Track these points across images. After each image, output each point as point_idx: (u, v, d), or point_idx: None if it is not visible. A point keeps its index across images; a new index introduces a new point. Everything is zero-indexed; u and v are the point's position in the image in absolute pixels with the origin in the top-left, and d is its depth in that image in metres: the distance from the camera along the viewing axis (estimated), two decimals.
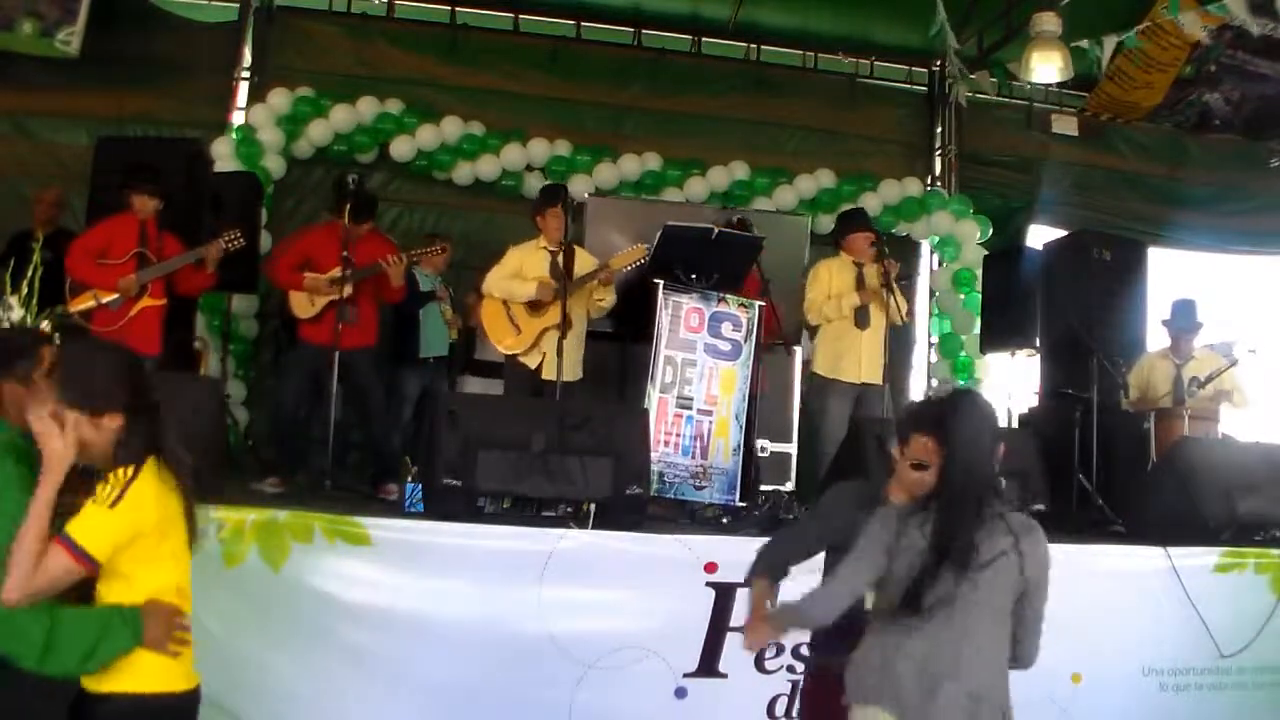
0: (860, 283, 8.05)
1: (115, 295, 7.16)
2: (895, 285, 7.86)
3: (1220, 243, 12.75)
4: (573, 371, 7.39)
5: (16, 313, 6.02)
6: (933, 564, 3.47)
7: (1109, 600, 6.00)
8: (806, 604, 3.70)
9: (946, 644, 3.49)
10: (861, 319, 7.95)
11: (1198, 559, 6.34)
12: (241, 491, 6.52)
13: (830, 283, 8.12)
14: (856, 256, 8.16)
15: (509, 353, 7.52)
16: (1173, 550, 6.27)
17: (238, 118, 10.58)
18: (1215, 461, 6.90)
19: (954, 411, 3.70)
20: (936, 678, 3.47)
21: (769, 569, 4.13)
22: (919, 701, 3.47)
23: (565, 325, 7.08)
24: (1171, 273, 11.21)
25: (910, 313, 8.51)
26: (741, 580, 4.43)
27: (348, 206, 7.39)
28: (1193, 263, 12.49)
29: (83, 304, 7.15)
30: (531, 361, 7.46)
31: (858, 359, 7.94)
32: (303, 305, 7.50)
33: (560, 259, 7.42)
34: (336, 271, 7.32)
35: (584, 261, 7.62)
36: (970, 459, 3.59)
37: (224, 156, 9.89)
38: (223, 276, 7.76)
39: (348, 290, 7.29)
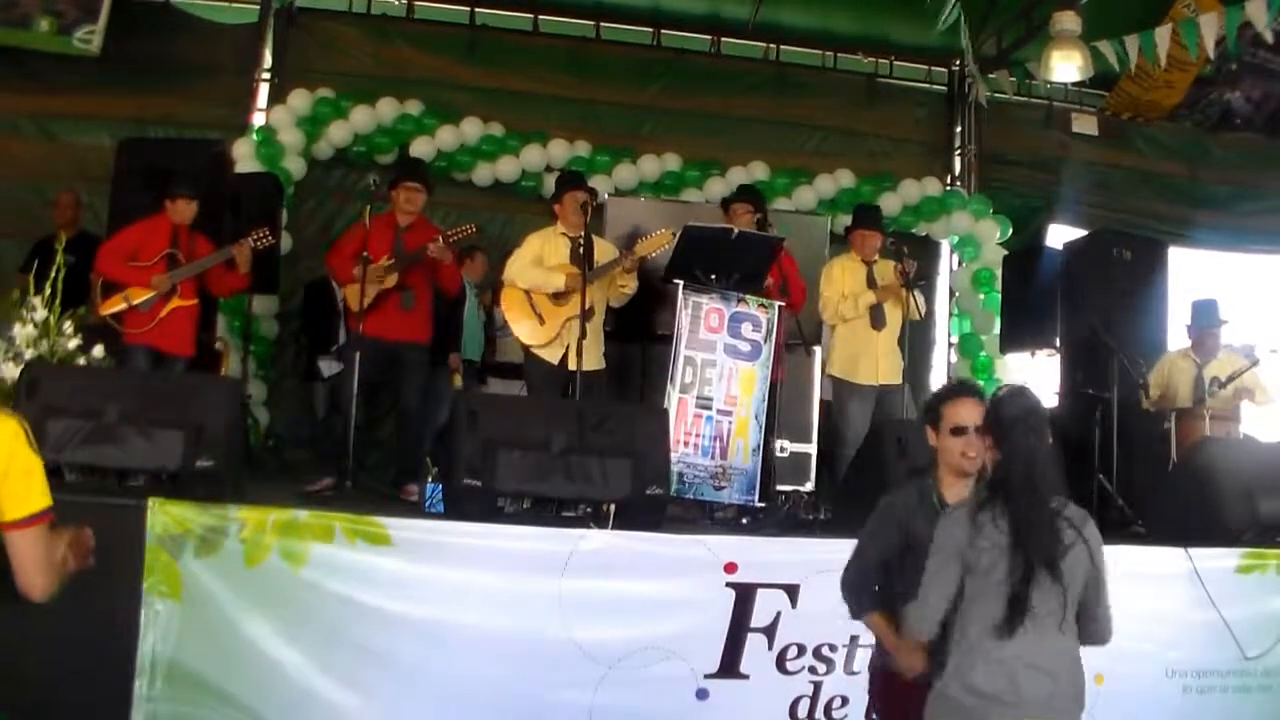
0: (872, 281, 8.02)
1: (147, 296, 7.20)
2: (913, 285, 7.82)
3: (1240, 242, 12.71)
4: (595, 361, 7.40)
5: (40, 314, 6.08)
6: (1027, 569, 3.51)
7: (1130, 602, 5.90)
8: (912, 622, 3.78)
9: (1051, 641, 3.55)
10: (877, 319, 7.91)
11: (1219, 560, 6.28)
12: (276, 491, 6.53)
13: (844, 281, 8.08)
14: (862, 255, 8.12)
15: (532, 344, 7.50)
16: (1194, 551, 6.22)
17: (258, 119, 10.64)
18: (1236, 462, 6.84)
19: (1007, 408, 3.72)
20: (1053, 676, 3.54)
21: (872, 602, 4.24)
22: (1043, 701, 3.52)
23: (587, 314, 7.08)
24: (1192, 273, 11.14)
25: (926, 311, 8.45)
26: (854, 612, 4.45)
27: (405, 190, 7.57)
28: (1213, 262, 12.43)
29: (114, 306, 7.20)
30: (553, 355, 7.42)
31: (874, 361, 7.89)
32: (355, 297, 7.42)
33: (580, 245, 7.40)
34: (386, 260, 7.33)
35: (603, 249, 7.62)
36: (1032, 453, 3.64)
37: (245, 157, 9.94)
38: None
39: (393, 280, 7.32)
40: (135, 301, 7.21)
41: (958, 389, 4.13)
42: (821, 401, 8.51)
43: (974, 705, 3.55)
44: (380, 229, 7.53)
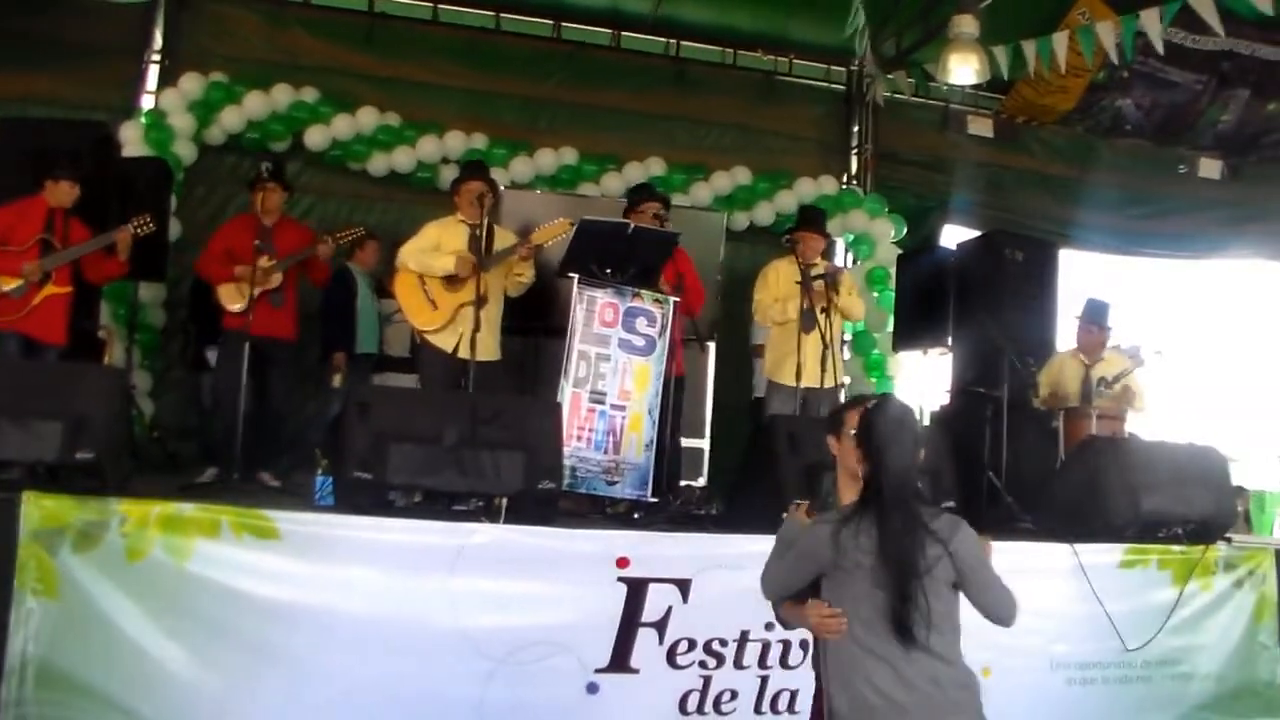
0: (807, 285, 7.99)
1: (18, 283, 6.96)
2: (838, 288, 7.92)
3: (1128, 245, 13.03)
4: (491, 351, 7.35)
5: None
6: (901, 587, 3.52)
7: (1018, 596, 6.06)
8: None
9: (926, 652, 3.54)
10: (806, 323, 7.90)
11: (1103, 555, 6.49)
12: (161, 484, 6.40)
13: (777, 285, 8.12)
14: (803, 258, 8.06)
15: (424, 329, 7.42)
16: (1079, 547, 6.41)
17: (147, 102, 10.38)
18: (1120, 460, 7.00)
19: (877, 418, 3.73)
20: (934, 686, 3.54)
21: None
22: (912, 713, 3.52)
23: (481, 302, 7.03)
24: (1083, 274, 11.36)
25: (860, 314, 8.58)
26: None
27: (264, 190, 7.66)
28: (1104, 265, 12.71)
29: None
30: (447, 343, 7.31)
31: (798, 364, 7.83)
32: (232, 296, 7.51)
33: (480, 233, 7.35)
34: (265, 261, 7.37)
35: (503, 238, 7.55)
36: (900, 466, 3.66)
37: (133, 141, 9.70)
38: (130, 264, 7.60)
39: (278, 279, 7.46)
40: (6, 289, 6.96)
41: (860, 399, 4.18)
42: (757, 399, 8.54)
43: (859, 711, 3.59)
44: (246, 228, 7.61)
